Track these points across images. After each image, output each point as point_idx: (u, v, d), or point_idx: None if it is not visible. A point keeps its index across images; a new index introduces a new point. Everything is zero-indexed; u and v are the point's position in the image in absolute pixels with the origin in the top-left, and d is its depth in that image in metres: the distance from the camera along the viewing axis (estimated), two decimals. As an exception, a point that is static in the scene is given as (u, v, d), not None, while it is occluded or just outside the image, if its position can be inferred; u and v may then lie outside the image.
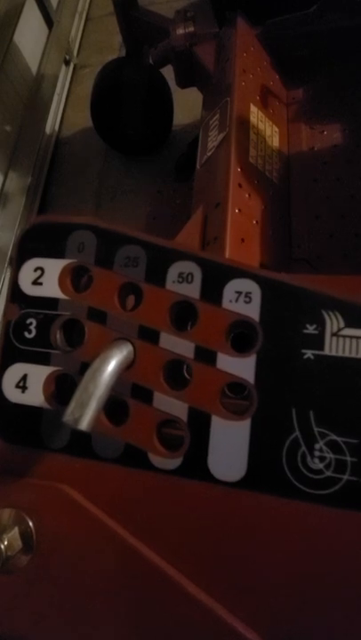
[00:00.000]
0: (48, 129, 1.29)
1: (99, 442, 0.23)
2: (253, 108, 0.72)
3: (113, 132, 1.10)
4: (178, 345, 0.22)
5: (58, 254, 0.25)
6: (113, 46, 1.43)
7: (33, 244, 0.25)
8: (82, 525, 0.22)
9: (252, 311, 0.21)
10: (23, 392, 0.24)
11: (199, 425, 0.21)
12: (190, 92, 0.88)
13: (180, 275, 0.22)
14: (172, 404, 0.22)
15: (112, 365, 0.21)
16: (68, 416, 0.19)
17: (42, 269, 0.25)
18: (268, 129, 0.74)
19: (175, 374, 0.22)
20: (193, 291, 0.22)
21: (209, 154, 0.71)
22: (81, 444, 0.23)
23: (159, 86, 1.03)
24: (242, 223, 0.56)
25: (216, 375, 0.21)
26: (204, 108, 0.79)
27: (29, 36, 1.24)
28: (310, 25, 0.73)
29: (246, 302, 0.21)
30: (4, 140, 1.13)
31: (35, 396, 0.24)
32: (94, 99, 1.03)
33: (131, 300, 0.24)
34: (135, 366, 0.23)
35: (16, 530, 0.22)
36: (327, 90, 0.76)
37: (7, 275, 1.04)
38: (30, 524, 0.22)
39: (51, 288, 0.24)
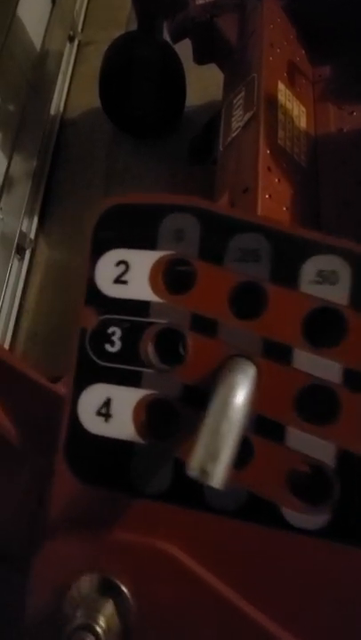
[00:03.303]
0: (53, 109, 1.22)
1: (212, 489, 0.17)
2: (281, 86, 0.68)
3: (122, 112, 1.05)
4: (318, 366, 0.17)
5: (148, 244, 0.19)
6: (119, 21, 1.35)
7: (113, 231, 0.20)
8: (192, 596, 0.17)
9: None
10: (107, 421, 0.19)
11: (352, 471, 0.16)
12: (203, 72, 0.83)
13: (321, 273, 0.17)
14: (312, 444, 0.17)
15: (243, 395, 0.15)
16: (196, 468, 0.14)
17: (126, 264, 0.19)
18: (295, 108, 0.70)
19: (315, 404, 0.17)
20: (339, 295, 0.17)
21: (234, 134, 0.67)
22: (187, 490, 0.18)
23: (172, 64, 0.97)
24: (273, 210, 0.52)
25: (375, 407, 0.16)
26: (226, 86, 0.75)
27: (33, 10, 1.17)
28: (341, -5, 0.69)
29: None
30: (7, 122, 1.06)
31: (122, 427, 0.19)
32: (103, 76, 0.97)
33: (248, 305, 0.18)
34: (260, 393, 0.17)
35: (111, 604, 0.17)
36: (357, 67, 0.71)
37: (14, 263, 0.99)
38: (127, 593, 0.17)
39: (139, 288, 0.19)
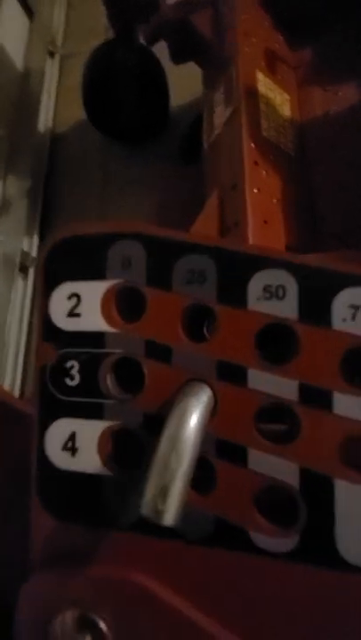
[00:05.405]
0: (41, 126, 1.23)
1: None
2: (260, 76, 0.67)
3: (109, 120, 1.04)
4: (274, 384, 0.17)
5: (96, 275, 0.19)
6: (98, 30, 1.35)
7: (62, 264, 0.20)
8: (167, 626, 0.17)
9: (378, 332, 0.15)
10: (73, 455, 0.19)
11: (318, 491, 0.16)
12: (183, 71, 0.82)
13: (267, 289, 0.17)
14: (275, 465, 0.16)
15: (194, 422, 0.15)
16: (148, 508, 0.14)
17: (77, 296, 0.19)
18: (277, 97, 0.69)
19: (275, 423, 0.17)
20: (288, 309, 0.16)
21: (217, 131, 0.66)
22: (156, 520, 0.18)
23: (152, 66, 0.96)
24: (262, 203, 0.52)
25: (334, 422, 0.16)
26: (206, 83, 0.74)
27: (10, 29, 1.18)
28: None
29: (368, 320, 0.15)
30: (-3, 145, 1.07)
31: (89, 460, 0.19)
32: (85, 88, 0.97)
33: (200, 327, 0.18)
34: (218, 416, 0.17)
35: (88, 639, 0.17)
36: (340, 46, 0.69)
37: (18, 282, 1.00)
38: (104, 628, 0.17)
39: (92, 319, 0.19)
